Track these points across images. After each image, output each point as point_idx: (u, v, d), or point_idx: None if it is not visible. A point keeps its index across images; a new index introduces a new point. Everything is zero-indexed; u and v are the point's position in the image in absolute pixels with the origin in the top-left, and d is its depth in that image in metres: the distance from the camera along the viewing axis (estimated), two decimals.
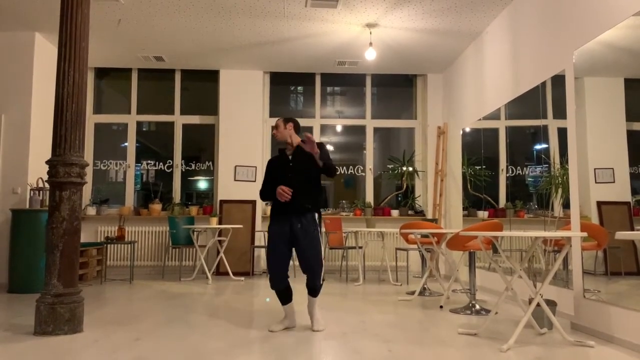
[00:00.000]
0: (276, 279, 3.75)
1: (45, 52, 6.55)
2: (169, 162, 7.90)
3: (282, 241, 3.77)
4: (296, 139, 4.01)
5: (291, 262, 3.90)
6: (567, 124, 4.15)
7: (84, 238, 7.30)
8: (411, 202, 7.91)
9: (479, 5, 5.45)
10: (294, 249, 3.83)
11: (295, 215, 3.77)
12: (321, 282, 3.82)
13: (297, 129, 4.06)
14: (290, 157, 3.95)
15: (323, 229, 3.91)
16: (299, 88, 8.40)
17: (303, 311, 4.20)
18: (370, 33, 6.20)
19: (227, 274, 7.11)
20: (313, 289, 3.84)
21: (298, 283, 4.22)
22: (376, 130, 8.15)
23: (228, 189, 7.62)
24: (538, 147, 4.84)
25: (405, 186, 7.94)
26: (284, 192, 3.71)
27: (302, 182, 3.82)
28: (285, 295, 3.83)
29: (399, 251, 7.42)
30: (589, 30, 3.85)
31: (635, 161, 3.40)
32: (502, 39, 5.58)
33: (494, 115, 5.79)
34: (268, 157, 7.94)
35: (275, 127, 4.09)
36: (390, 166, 8.10)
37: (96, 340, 3.42)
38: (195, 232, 6.98)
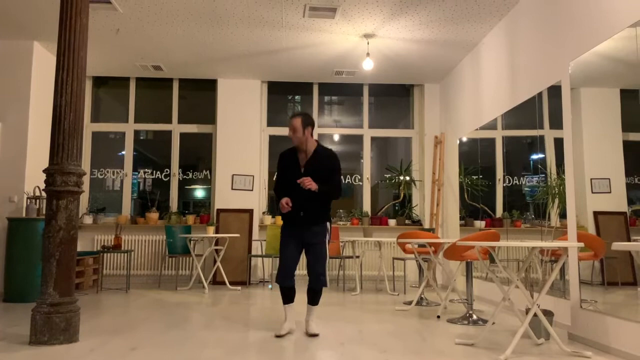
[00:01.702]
0: (282, 275, 3.84)
1: (43, 61, 6.56)
2: (166, 171, 7.90)
3: (293, 241, 3.89)
4: (312, 145, 3.96)
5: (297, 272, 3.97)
6: (563, 134, 4.17)
7: (80, 247, 7.28)
8: (408, 211, 7.91)
9: (475, 16, 5.49)
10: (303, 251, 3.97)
11: (305, 224, 3.88)
12: (324, 285, 3.86)
13: (313, 129, 3.99)
14: (303, 166, 3.92)
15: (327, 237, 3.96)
16: (297, 97, 8.43)
17: (300, 322, 4.19)
18: (368, 43, 6.23)
19: (223, 283, 7.09)
20: (314, 294, 3.88)
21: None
22: (373, 139, 8.17)
23: (225, 197, 7.61)
24: (535, 157, 4.86)
25: (402, 195, 7.95)
26: (285, 206, 3.82)
27: (311, 193, 3.84)
28: (288, 295, 3.91)
29: (396, 261, 7.41)
30: (585, 42, 3.89)
31: (632, 171, 3.42)
32: (498, 50, 5.62)
33: (491, 125, 5.82)
34: (266, 166, 7.95)
35: (292, 129, 3.90)
36: (387, 175, 8.11)
37: (92, 350, 3.40)
38: (192, 241, 6.96)
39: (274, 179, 4.07)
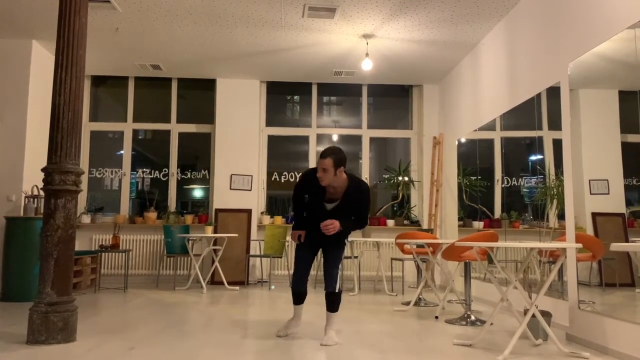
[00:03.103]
0: (296, 281, 3.83)
1: (42, 60, 6.55)
2: (165, 171, 7.89)
3: (309, 247, 3.88)
4: (342, 183, 3.68)
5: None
6: (562, 135, 4.17)
7: (78, 246, 7.26)
8: (407, 212, 7.91)
9: (475, 17, 5.49)
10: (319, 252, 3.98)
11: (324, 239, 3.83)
12: (338, 290, 3.74)
13: (344, 167, 3.71)
14: (328, 200, 3.77)
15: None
16: (296, 97, 8.43)
17: (304, 322, 4.18)
18: (367, 43, 6.23)
19: (221, 283, 7.08)
20: (331, 298, 3.76)
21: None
22: (372, 140, 8.17)
23: (224, 197, 7.61)
24: (533, 158, 4.86)
25: (401, 196, 7.95)
26: (296, 239, 3.85)
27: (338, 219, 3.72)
28: (299, 298, 3.90)
29: (395, 261, 7.41)
30: (584, 43, 3.89)
31: (630, 173, 3.42)
32: (498, 51, 5.62)
33: (490, 126, 5.82)
34: (264, 166, 7.94)
35: (322, 169, 3.57)
36: (386, 176, 8.11)
37: (90, 350, 3.39)
38: (190, 241, 6.95)
39: (292, 198, 3.95)
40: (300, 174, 3.94)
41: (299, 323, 4.00)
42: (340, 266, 3.89)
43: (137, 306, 5.31)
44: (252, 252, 7.45)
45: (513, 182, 5.33)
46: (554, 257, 4.37)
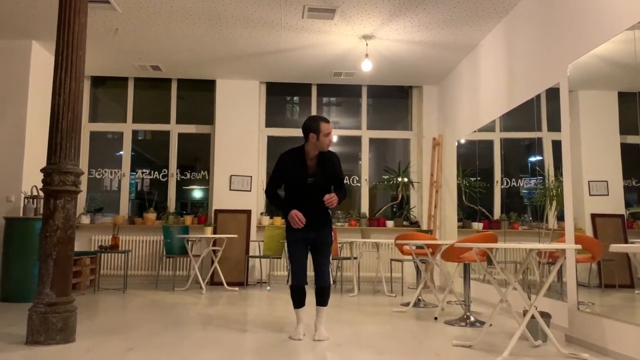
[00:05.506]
0: (298, 276, 3.85)
1: (41, 60, 6.55)
2: (164, 171, 7.89)
3: (303, 244, 3.90)
4: (317, 152, 4.01)
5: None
6: (561, 136, 4.18)
7: (77, 247, 7.26)
8: (406, 213, 7.92)
9: (474, 18, 5.50)
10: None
11: (315, 228, 3.89)
12: (330, 283, 3.89)
13: None
14: (310, 173, 3.89)
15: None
16: (295, 98, 8.43)
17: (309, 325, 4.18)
18: (367, 44, 6.23)
19: (221, 284, 7.08)
20: (323, 292, 3.87)
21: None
22: (372, 140, 8.17)
23: (223, 198, 7.61)
24: (533, 159, 4.86)
25: (400, 197, 7.95)
26: (298, 221, 3.77)
27: (320, 199, 3.84)
28: (300, 298, 3.90)
29: (394, 262, 7.41)
30: (584, 44, 3.89)
31: (629, 174, 3.43)
32: (497, 52, 5.63)
33: (489, 127, 5.82)
34: (264, 166, 7.94)
35: (327, 134, 4.05)
36: (385, 177, 8.11)
37: (89, 350, 3.39)
38: (189, 242, 6.95)
39: (268, 186, 4.00)
40: (279, 158, 4.00)
41: (304, 328, 3.99)
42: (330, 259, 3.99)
43: (136, 307, 5.31)
44: (251, 253, 7.45)
45: (512, 183, 5.33)
46: (553, 258, 4.37)
